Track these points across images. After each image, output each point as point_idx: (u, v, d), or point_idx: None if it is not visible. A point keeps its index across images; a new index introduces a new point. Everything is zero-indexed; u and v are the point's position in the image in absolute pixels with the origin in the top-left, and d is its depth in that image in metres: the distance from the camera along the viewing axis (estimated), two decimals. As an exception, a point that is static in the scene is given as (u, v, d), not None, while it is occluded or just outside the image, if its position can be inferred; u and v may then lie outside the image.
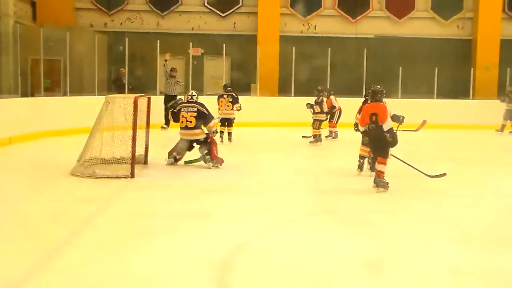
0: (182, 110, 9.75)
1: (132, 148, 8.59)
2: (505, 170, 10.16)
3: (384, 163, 7.71)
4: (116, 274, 4.46)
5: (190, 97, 9.98)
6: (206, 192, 7.78)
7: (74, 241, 5.33)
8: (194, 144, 9.78)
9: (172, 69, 15.88)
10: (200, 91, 15.95)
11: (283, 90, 18.69)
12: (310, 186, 8.39)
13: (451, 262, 4.92)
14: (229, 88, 13.39)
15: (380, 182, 7.73)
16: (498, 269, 4.80)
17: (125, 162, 8.70)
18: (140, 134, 9.12)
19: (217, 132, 10.01)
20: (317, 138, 13.01)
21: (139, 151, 9.24)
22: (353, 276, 4.54)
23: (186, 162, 9.77)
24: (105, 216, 6.33)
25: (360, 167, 9.15)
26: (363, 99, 10.10)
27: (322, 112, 12.96)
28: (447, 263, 4.90)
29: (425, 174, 8.39)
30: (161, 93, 16.25)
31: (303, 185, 8.42)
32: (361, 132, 8.66)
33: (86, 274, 4.45)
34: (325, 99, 13.09)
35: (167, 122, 15.16)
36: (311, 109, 12.96)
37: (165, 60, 15.97)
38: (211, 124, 9.73)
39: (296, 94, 18.07)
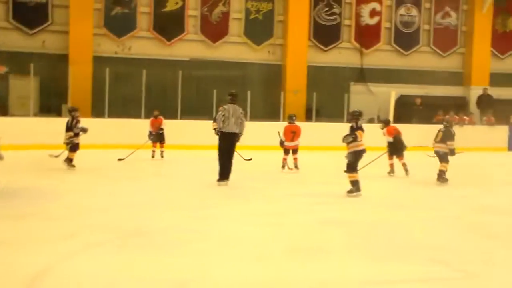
0: None
1: None
2: (304, 188, 10.72)
3: None
4: None
5: None
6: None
7: None
8: None
9: None
10: (5, 113, 15.02)
11: (96, 111, 18.11)
12: (121, 208, 8.15)
13: (254, 279, 5.02)
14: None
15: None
16: (299, 282, 4.99)
17: None
18: None
19: None
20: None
21: None
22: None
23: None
24: None
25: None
26: None
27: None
28: (250, 280, 4.99)
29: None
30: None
31: (113, 207, 8.16)
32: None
33: None
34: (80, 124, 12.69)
35: None
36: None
37: None
38: None
39: (110, 116, 17.66)
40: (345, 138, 9.52)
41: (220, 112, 10.63)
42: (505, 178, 13.03)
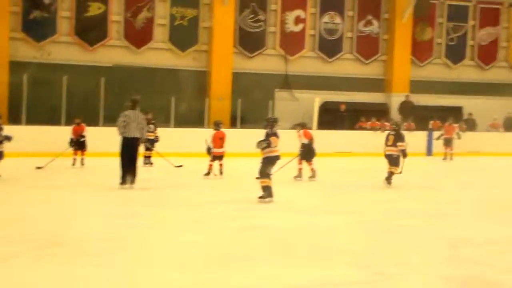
0: None
1: None
2: (228, 194, 10.65)
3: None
4: None
5: None
6: None
7: None
8: None
9: None
10: None
11: (13, 118, 17.37)
12: (38, 217, 7.88)
13: (179, 286, 4.95)
14: None
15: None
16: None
17: None
18: None
19: None
20: None
21: None
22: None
23: None
24: None
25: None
26: None
27: None
28: (175, 287, 4.90)
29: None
30: None
31: (30, 217, 7.88)
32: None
33: None
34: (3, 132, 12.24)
35: None
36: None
37: None
38: None
39: (28, 123, 17.05)
40: (259, 144, 9.52)
41: (120, 118, 10.89)
42: (422, 183, 13.35)
